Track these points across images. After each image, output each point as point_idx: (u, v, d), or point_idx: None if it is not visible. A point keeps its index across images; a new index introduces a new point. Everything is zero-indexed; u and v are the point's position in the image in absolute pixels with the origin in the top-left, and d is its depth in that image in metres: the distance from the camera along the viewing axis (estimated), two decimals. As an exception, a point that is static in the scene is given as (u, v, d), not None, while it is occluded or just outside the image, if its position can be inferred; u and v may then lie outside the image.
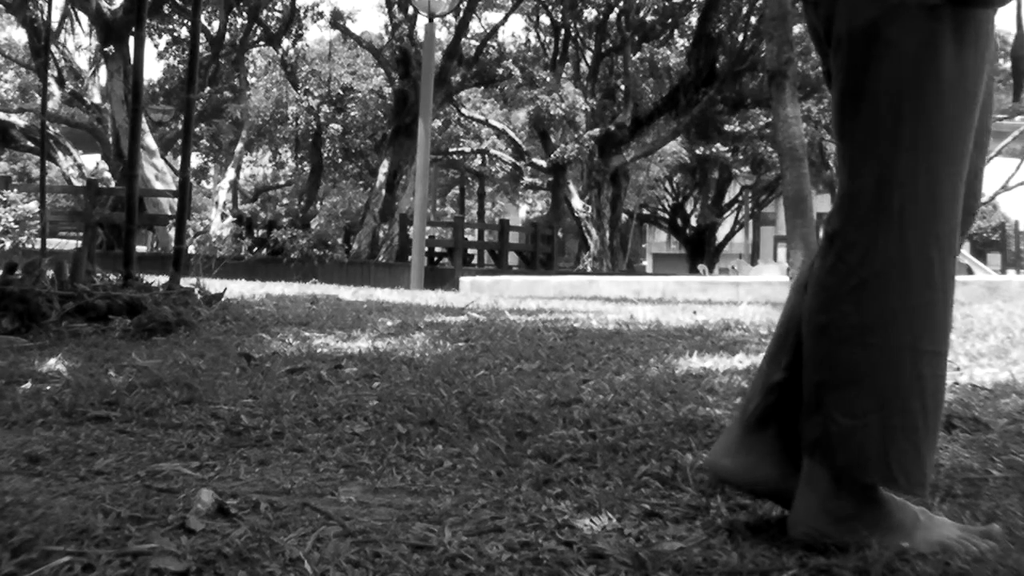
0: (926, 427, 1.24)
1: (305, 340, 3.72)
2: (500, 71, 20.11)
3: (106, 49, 16.93)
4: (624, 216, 25.24)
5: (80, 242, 14.21)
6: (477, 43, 20.95)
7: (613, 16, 22.34)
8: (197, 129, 21.52)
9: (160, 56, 22.69)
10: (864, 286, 1.26)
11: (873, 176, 1.27)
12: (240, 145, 21.05)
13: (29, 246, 12.03)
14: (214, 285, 5.94)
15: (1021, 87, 1.32)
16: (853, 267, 1.27)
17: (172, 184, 16.58)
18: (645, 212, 31.50)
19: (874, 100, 1.26)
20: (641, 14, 22.67)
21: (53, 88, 17.95)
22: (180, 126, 17.51)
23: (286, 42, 21.93)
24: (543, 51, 24.52)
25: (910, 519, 1.29)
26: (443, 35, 19.44)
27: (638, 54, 23.31)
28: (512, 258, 21.40)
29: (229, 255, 13.59)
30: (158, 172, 17.11)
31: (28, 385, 2.50)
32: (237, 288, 7.16)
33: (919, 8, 1.22)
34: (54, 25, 19.28)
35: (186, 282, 5.39)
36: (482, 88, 22.87)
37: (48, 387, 2.49)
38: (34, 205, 14.29)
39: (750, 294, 9.56)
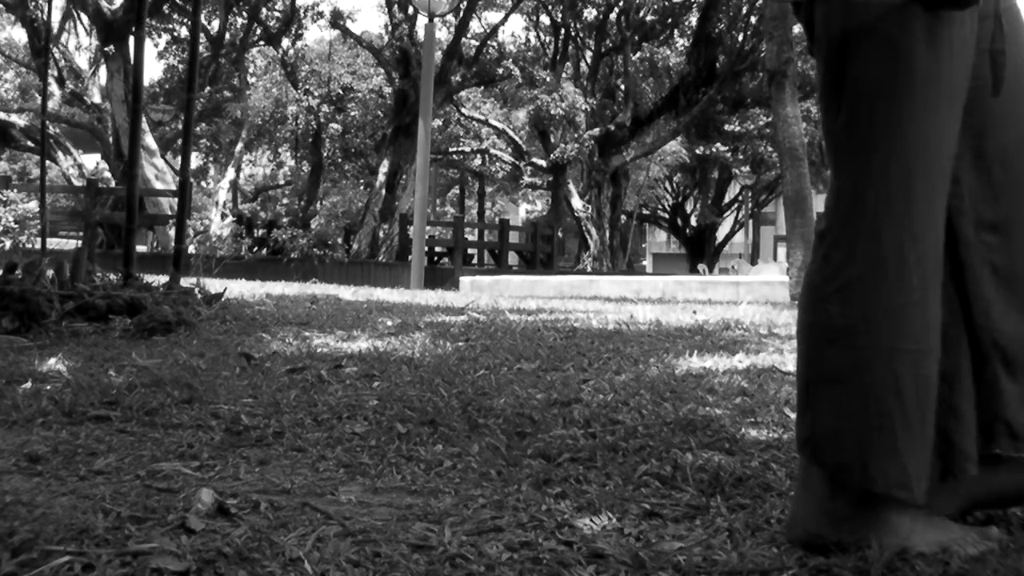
0: (906, 427, 1.23)
1: (305, 340, 3.72)
2: (500, 71, 20.10)
3: (106, 49, 16.93)
4: (624, 216, 25.24)
5: (80, 242, 14.23)
6: (477, 43, 20.94)
7: (613, 16, 22.33)
8: (197, 129, 21.50)
9: (160, 56, 22.70)
10: (848, 287, 1.27)
11: (851, 176, 1.28)
12: (240, 145, 21.04)
13: (29, 246, 12.03)
14: (214, 285, 5.94)
15: (1000, 81, 1.32)
16: (837, 267, 1.28)
17: (172, 184, 16.58)
18: (645, 212, 31.50)
19: (850, 100, 1.28)
20: (641, 14, 22.67)
21: (53, 88, 17.94)
22: (180, 126, 17.50)
23: (286, 42, 21.93)
24: (543, 51, 24.52)
25: (909, 519, 1.29)
26: (443, 35, 19.45)
27: (638, 54, 23.31)
28: (512, 258, 21.40)
29: (229, 255, 13.58)
30: (158, 172, 17.11)
31: (28, 385, 2.50)
32: (237, 288, 7.16)
33: (891, 10, 1.23)
34: (55, 25, 19.28)
35: (186, 282, 5.39)
36: (482, 88, 22.87)
37: (48, 387, 2.49)
38: (34, 205, 14.30)
39: (750, 294, 9.57)
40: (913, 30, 1.23)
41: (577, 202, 21.68)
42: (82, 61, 20.14)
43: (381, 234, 18.28)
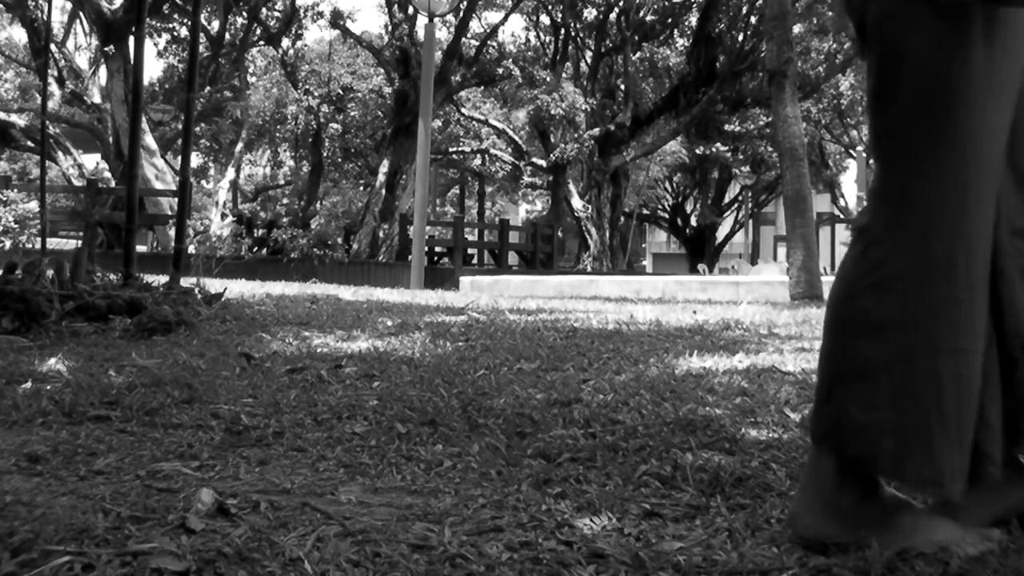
0: (942, 425, 1.23)
1: (305, 340, 3.72)
2: (500, 71, 20.11)
3: (106, 49, 16.93)
4: (624, 216, 25.26)
5: (80, 242, 14.22)
6: (477, 43, 20.95)
7: (613, 16, 22.34)
8: (197, 129, 21.52)
9: (160, 56, 22.71)
10: (884, 282, 1.27)
11: (902, 174, 1.28)
12: (240, 145, 21.06)
13: (29, 246, 12.03)
14: (214, 285, 5.94)
15: None
16: (875, 263, 1.28)
17: (172, 184, 16.58)
18: (645, 212, 31.52)
19: (904, 99, 1.27)
20: (641, 14, 22.67)
21: (53, 88, 17.93)
22: (180, 126, 17.51)
23: (286, 42, 21.95)
24: (543, 51, 24.53)
25: (911, 518, 1.29)
26: (443, 35, 19.45)
27: (638, 54, 23.32)
28: (512, 258, 21.41)
29: (229, 255, 13.58)
30: (158, 172, 17.11)
31: (28, 385, 2.50)
32: (237, 288, 7.16)
33: (948, 7, 1.23)
34: (57, 26, 19.30)
35: (186, 282, 5.39)
36: (482, 88, 22.88)
37: (48, 387, 2.49)
38: (34, 205, 14.31)
39: (750, 294, 9.57)
40: (970, 28, 1.22)
41: (577, 202, 21.69)
42: (82, 61, 20.17)
43: (381, 234, 18.29)
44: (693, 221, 31.17)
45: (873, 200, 1.33)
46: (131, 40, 15.42)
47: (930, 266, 1.24)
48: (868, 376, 1.26)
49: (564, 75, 22.83)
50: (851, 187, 28.53)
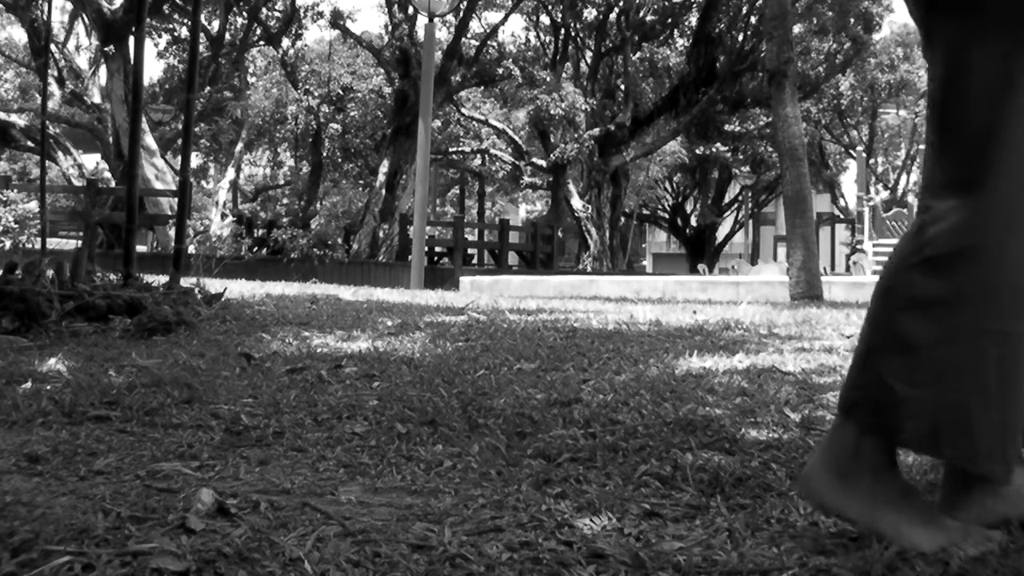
0: (983, 407, 1.23)
1: (305, 340, 3.72)
2: (500, 71, 20.13)
3: (106, 49, 16.94)
4: (624, 216, 25.27)
5: (80, 242, 14.23)
6: (477, 43, 20.97)
7: (613, 16, 22.35)
8: (197, 129, 21.52)
9: (160, 56, 22.75)
10: (936, 260, 1.27)
11: (961, 166, 1.29)
12: (240, 145, 21.08)
13: (29, 246, 12.04)
14: (214, 285, 5.94)
15: None
16: (931, 239, 1.29)
17: (172, 184, 16.59)
18: (645, 212, 31.53)
19: (967, 99, 1.28)
20: (641, 14, 22.69)
21: (53, 88, 17.96)
22: (180, 126, 17.50)
23: (286, 42, 21.97)
24: (543, 51, 24.54)
25: (918, 510, 1.29)
26: (443, 35, 19.45)
27: (638, 54, 23.33)
28: (512, 258, 21.42)
29: (229, 255, 13.58)
30: (158, 172, 17.12)
31: (28, 385, 2.50)
32: (237, 288, 7.16)
33: (1008, 6, 1.24)
34: (57, 26, 19.32)
35: (186, 282, 5.39)
36: (482, 88, 22.90)
37: (48, 387, 2.49)
38: (34, 205, 14.32)
39: (750, 294, 9.57)
40: None
41: (577, 202, 21.70)
42: (82, 61, 20.19)
43: (381, 234, 18.30)
44: (693, 221, 31.19)
45: (932, 184, 1.34)
46: (131, 40, 15.42)
47: (982, 250, 1.25)
48: (910, 351, 1.27)
49: (564, 75, 22.85)
50: (851, 187, 28.53)
